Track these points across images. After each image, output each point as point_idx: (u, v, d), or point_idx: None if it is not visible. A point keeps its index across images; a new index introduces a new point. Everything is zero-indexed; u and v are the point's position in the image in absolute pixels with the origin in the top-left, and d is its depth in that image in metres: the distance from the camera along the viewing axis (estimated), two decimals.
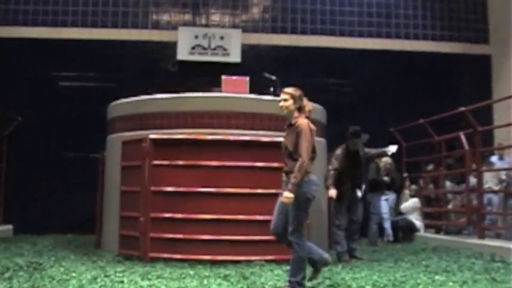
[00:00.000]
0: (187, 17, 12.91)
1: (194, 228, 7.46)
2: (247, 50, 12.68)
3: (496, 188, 10.41)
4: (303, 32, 13.00)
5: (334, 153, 8.25)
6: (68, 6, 12.57)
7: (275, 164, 7.04)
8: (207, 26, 12.88)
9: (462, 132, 9.99)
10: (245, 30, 12.83)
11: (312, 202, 5.46)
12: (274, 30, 12.99)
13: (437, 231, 10.93)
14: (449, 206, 10.83)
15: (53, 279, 5.92)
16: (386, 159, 10.85)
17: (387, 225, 11.06)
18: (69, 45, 12.31)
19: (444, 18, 13.46)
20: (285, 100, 5.55)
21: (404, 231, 11.12)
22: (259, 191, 7.42)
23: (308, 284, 5.66)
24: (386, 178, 11.04)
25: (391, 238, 10.98)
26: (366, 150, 8.49)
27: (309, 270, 5.61)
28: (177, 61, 12.55)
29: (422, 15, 13.39)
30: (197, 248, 7.40)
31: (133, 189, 7.85)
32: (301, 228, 5.40)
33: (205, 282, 5.87)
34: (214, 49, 12.53)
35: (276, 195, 5.61)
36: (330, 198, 8.16)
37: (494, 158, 11.01)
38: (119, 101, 9.22)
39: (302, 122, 5.45)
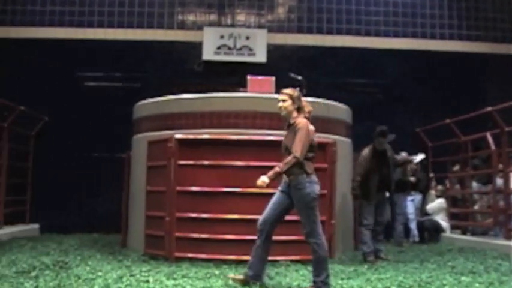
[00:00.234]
0: (213, 17, 12.93)
1: (219, 228, 7.50)
2: (273, 50, 12.66)
3: None
4: (329, 32, 12.94)
5: (360, 154, 8.24)
6: (93, 6, 12.65)
7: None
8: (232, 26, 12.89)
9: (489, 133, 9.93)
10: (271, 30, 12.81)
11: (317, 200, 5.49)
12: (299, 30, 12.94)
13: (464, 232, 10.82)
14: (476, 207, 10.74)
15: (79, 278, 5.97)
16: None
17: (413, 225, 11.02)
18: (95, 46, 12.39)
19: (470, 17, 13.29)
20: (284, 101, 5.66)
21: (430, 231, 11.03)
22: None
23: (332, 283, 5.65)
24: (412, 178, 10.97)
25: (417, 239, 10.93)
26: (393, 156, 8.48)
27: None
28: (202, 61, 12.55)
29: (449, 14, 13.24)
30: (222, 248, 7.42)
31: (159, 189, 7.89)
32: (316, 227, 5.43)
33: (230, 282, 5.87)
34: (240, 49, 12.53)
35: None
36: (356, 198, 8.16)
37: None
38: (144, 101, 9.28)
39: (301, 121, 5.54)
